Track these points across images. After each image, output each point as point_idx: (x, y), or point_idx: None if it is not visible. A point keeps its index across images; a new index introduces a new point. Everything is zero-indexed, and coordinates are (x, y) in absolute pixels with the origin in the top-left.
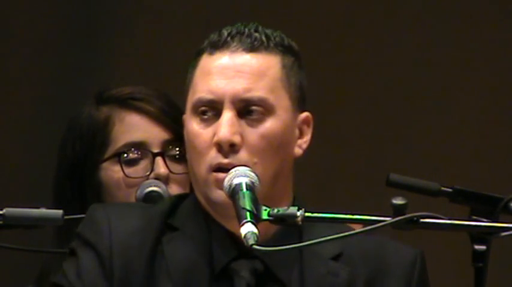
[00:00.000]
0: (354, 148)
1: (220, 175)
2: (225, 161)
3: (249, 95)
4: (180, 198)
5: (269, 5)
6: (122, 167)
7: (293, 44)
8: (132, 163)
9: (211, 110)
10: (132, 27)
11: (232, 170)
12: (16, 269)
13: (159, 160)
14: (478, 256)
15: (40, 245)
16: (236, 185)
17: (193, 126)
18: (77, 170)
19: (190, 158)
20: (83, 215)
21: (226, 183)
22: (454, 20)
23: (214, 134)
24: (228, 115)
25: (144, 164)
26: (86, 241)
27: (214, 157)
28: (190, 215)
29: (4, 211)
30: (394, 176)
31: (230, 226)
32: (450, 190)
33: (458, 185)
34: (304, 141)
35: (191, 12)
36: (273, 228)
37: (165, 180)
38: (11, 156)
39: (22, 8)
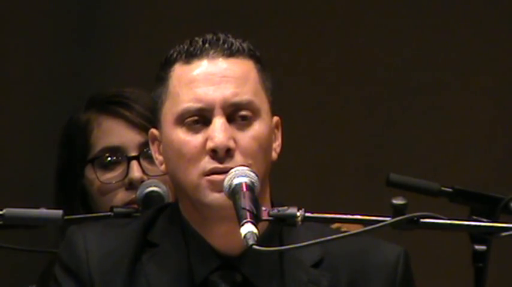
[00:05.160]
0: (354, 147)
1: (216, 177)
2: (221, 166)
3: (237, 99)
4: (158, 211)
5: (268, 5)
6: (95, 173)
7: (256, 48)
8: (108, 168)
9: (198, 117)
10: (132, 27)
11: (232, 170)
12: (16, 270)
13: (134, 163)
14: (478, 256)
15: (40, 245)
16: (236, 185)
17: (179, 135)
18: (64, 175)
19: (175, 166)
20: (83, 216)
21: (226, 183)
22: (457, 20)
23: (204, 141)
24: (220, 121)
25: (120, 169)
26: (66, 268)
27: (208, 162)
28: (168, 229)
29: (4, 211)
30: (394, 176)
31: (210, 236)
32: (450, 190)
33: (458, 185)
34: (277, 145)
35: (189, 12)
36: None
37: (139, 184)
38: (11, 156)
39: (21, 9)
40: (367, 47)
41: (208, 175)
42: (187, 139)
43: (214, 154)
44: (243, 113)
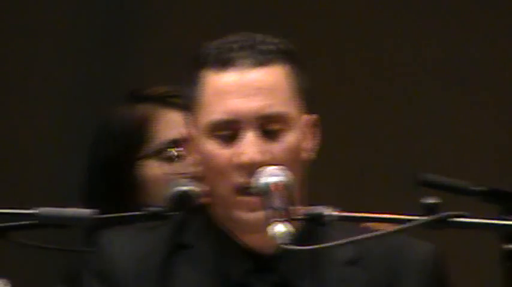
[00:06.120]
0: (383, 146)
1: (247, 198)
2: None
3: (269, 111)
4: (190, 212)
5: (292, 4)
6: (163, 164)
7: (291, 45)
8: (172, 160)
9: (228, 130)
10: (162, 27)
11: (265, 169)
12: (45, 269)
13: None
14: (507, 255)
15: (70, 244)
16: (268, 184)
17: (211, 146)
18: (112, 169)
19: (207, 176)
20: (115, 215)
21: (258, 182)
22: (485, 15)
23: (234, 155)
24: (250, 135)
25: (184, 161)
26: (94, 272)
27: (238, 177)
28: (202, 231)
29: (38, 210)
30: (425, 176)
31: (245, 238)
32: (481, 189)
33: (488, 184)
34: (314, 144)
35: (218, 11)
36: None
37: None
38: (40, 156)
39: (51, 10)
40: (390, 43)
41: (238, 192)
42: (218, 153)
43: (244, 168)
44: (274, 125)
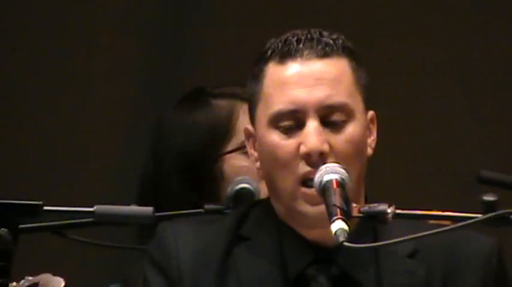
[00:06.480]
0: (442, 144)
1: (309, 190)
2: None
3: (331, 101)
4: (250, 206)
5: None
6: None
7: (350, 42)
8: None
9: (291, 120)
10: (223, 24)
11: (323, 166)
12: (99, 266)
13: None
14: None
15: (122, 242)
16: (327, 181)
17: (274, 138)
18: (197, 164)
19: (270, 169)
20: (174, 213)
21: (316, 179)
22: None
23: (298, 145)
24: (313, 124)
25: None
26: (155, 263)
27: (302, 168)
28: (261, 223)
29: (94, 208)
30: (486, 173)
31: (305, 231)
32: None
33: None
34: (372, 140)
35: (282, 9)
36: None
37: None
38: (102, 154)
39: (115, 7)
40: (449, 45)
41: (302, 183)
42: (281, 143)
43: (308, 158)
44: (337, 115)
